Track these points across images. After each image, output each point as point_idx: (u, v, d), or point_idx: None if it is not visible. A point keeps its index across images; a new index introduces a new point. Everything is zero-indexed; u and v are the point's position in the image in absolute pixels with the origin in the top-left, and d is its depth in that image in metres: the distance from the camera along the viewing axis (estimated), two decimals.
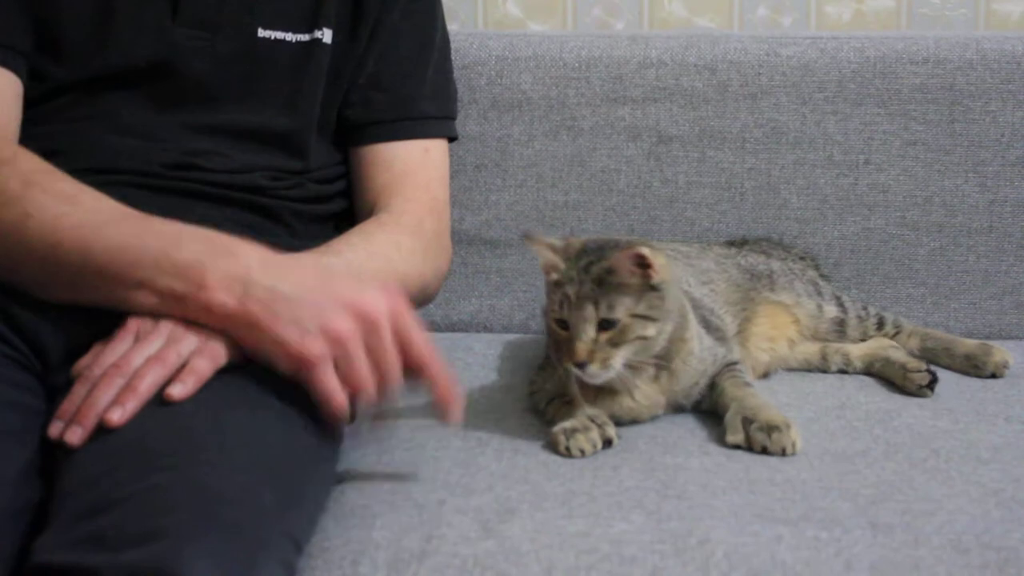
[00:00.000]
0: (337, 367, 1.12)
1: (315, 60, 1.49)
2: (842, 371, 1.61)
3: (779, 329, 1.61)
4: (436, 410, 1.17)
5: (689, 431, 1.38)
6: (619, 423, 1.36)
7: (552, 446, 1.31)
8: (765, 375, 1.59)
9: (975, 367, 1.59)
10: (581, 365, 1.28)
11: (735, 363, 1.44)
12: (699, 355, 1.40)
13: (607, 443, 1.31)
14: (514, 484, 1.23)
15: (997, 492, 1.22)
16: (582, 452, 1.29)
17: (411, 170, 1.54)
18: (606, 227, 1.84)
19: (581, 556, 1.09)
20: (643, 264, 1.29)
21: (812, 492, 1.21)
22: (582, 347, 1.29)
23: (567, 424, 1.31)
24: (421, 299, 1.51)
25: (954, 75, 1.82)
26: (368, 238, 1.43)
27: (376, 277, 1.37)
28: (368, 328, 1.12)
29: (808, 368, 1.62)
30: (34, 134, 1.40)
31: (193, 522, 0.97)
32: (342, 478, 1.26)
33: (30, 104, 1.42)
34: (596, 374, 1.29)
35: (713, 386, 1.41)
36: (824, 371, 1.62)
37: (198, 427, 1.09)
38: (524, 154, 1.85)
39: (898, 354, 1.59)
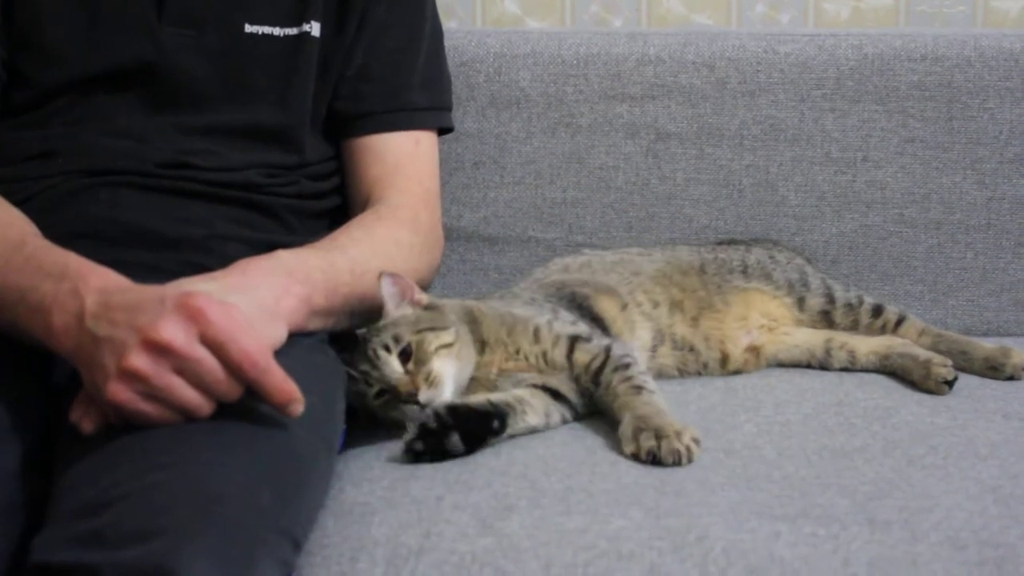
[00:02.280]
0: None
1: (304, 54, 1.49)
2: (845, 369, 1.61)
3: (751, 308, 1.62)
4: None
5: None
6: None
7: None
8: (753, 351, 1.61)
9: (994, 369, 1.57)
10: (413, 396, 1.30)
11: (628, 364, 1.39)
12: (501, 319, 1.43)
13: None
14: (512, 481, 1.23)
15: (995, 489, 1.22)
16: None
17: (403, 162, 1.54)
18: (604, 224, 1.84)
19: (579, 552, 1.09)
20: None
21: (810, 489, 1.21)
22: (401, 382, 1.32)
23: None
24: None
25: (952, 72, 1.82)
26: (370, 233, 1.43)
27: (377, 274, 1.38)
28: (169, 356, 1.07)
29: (810, 363, 1.62)
30: (30, 137, 1.41)
31: (192, 520, 0.96)
32: (340, 476, 1.26)
33: (24, 108, 1.42)
34: (431, 394, 1.31)
35: (607, 388, 1.37)
36: (825, 368, 1.61)
37: (196, 426, 1.09)
38: (522, 151, 1.85)
39: (919, 350, 1.58)
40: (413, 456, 1.27)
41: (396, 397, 1.32)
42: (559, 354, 1.41)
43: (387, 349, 1.34)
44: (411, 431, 1.28)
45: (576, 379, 1.40)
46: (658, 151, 1.84)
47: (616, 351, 1.40)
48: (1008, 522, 1.15)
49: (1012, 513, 1.17)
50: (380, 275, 1.36)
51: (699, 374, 1.58)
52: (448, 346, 1.35)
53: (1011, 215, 1.82)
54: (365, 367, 1.34)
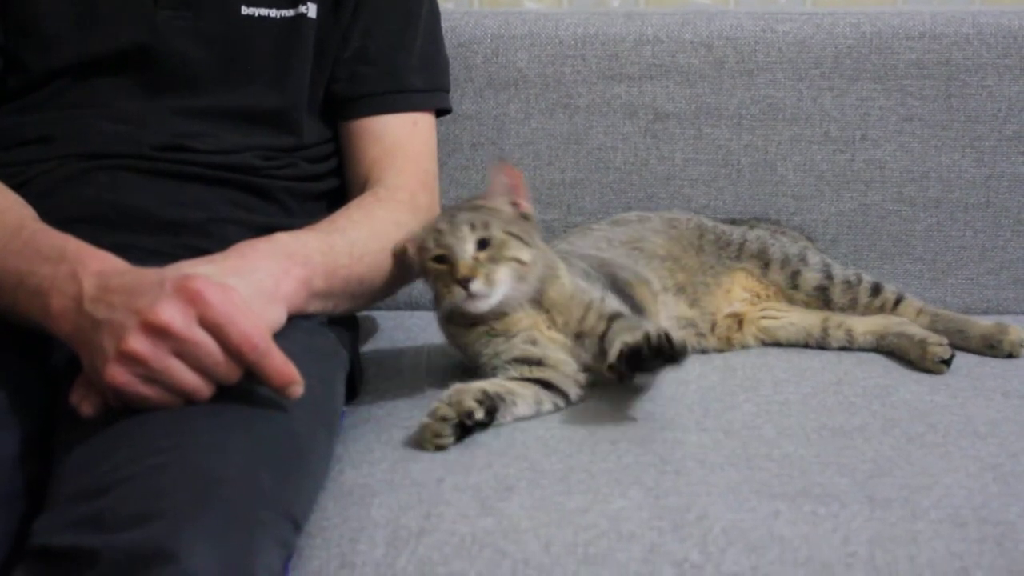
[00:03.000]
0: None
1: (301, 36, 1.48)
2: (843, 348, 1.61)
3: (739, 285, 1.63)
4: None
5: (687, 407, 1.38)
6: (532, 362, 1.38)
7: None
8: (738, 327, 1.61)
9: (991, 347, 1.58)
10: (466, 283, 1.31)
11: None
12: (573, 287, 1.41)
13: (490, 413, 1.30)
14: (512, 461, 1.23)
15: (995, 467, 1.22)
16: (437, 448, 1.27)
17: (401, 143, 1.54)
18: (603, 204, 1.84)
19: (579, 532, 1.09)
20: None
21: (810, 467, 1.21)
22: (464, 264, 1.32)
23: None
24: (415, 274, 1.51)
25: (950, 50, 1.82)
26: (369, 215, 1.43)
27: (376, 257, 1.38)
28: (167, 339, 1.07)
29: (807, 343, 1.62)
30: (27, 122, 1.41)
31: (191, 503, 0.96)
32: (340, 458, 1.26)
33: (20, 93, 1.42)
34: (482, 291, 1.32)
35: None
36: (823, 347, 1.61)
37: (196, 408, 1.09)
38: (520, 132, 1.85)
39: (915, 328, 1.58)
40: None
41: (452, 273, 1.33)
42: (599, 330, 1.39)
43: (472, 227, 1.34)
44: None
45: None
46: (656, 131, 1.84)
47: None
48: (1008, 499, 1.15)
49: (1011, 490, 1.17)
50: (499, 161, 1.40)
51: (695, 348, 1.58)
52: (522, 263, 1.35)
53: (1010, 193, 1.82)
54: (444, 227, 1.35)
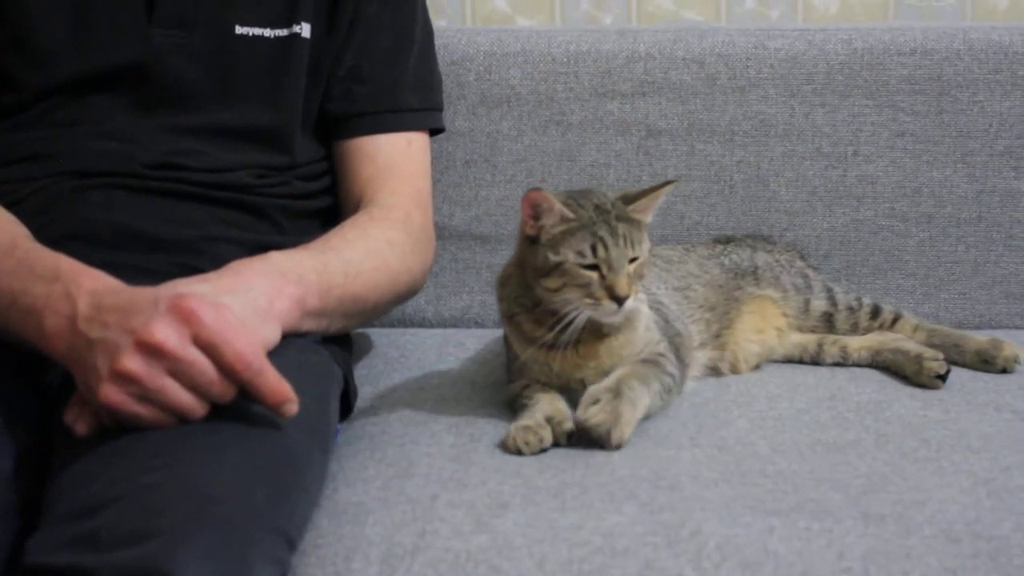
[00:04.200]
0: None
1: (295, 55, 1.49)
2: (837, 364, 1.61)
3: (767, 321, 1.61)
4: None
5: (680, 424, 1.38)
6: (571, 388, 1.37)
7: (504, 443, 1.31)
8: (757, 367, 1.59)
9: (985, 362, 1.58)
10: (623, 300, 1.29)
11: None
12: (648, 322, 1.41)
13: (568, 436, 1.31)
14: (507, 478, 1.23)
15: (988, 481, 1.22)
16: (527, 445, 1.28)
17: (395, 163, 1.54)
18: None
19: (574, 549, 1.09)
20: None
21: (803, 483, 1.22)
22: (623, 281, 1.30)
23: (522, 422, 1.31)
24: (409, 294, 1.52)
25: (942, 66, 1.82)
26: (364, 234, 1.43)
27: (371, 276, 1.38)
28: (162, 358, 1.07)
29: (802, 358, 1.62)
30: (20, 140, 1.41)
31: (186, 521, 0.97)
32: (334, 476, 1.26)
33: (13, 111, 1.42)
34: (632, 307, 1.31)
35: None
36: (818, 363, 1.61)
37: (190, 427, 1.09)
38: (513, 149, 1.85)
39: (911, 344, 1.58)
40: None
41: (610, 287, 1.29)
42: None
43: (631, 244, 1.32)
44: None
45: None
46: (649, 148, 1.84)
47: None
48: (1001, 514, 1.15)
49: (1005, 505, 1.17)
50: (667, 182, 1.38)
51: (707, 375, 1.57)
52: (641, 280, 1.35)
53: (1001, 208, 1.82)
54: (605, 235, 1.30)
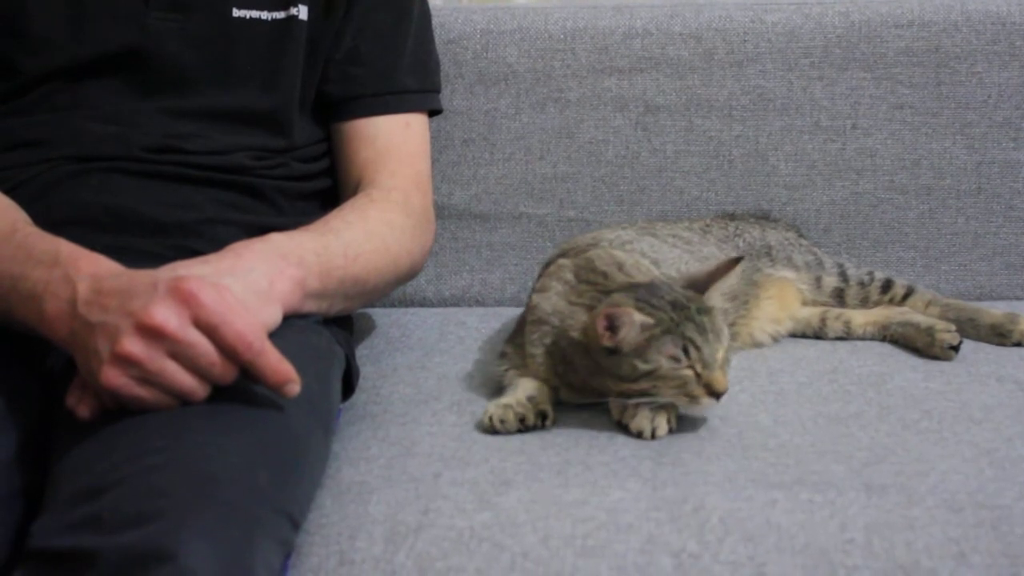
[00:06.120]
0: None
1: (292, 37, 1.48)
2: (840, 338, 1.61)
3: (786, 310, 1.61)
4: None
5: None
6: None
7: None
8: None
9: (1000, 336, 1.57)
10: (721, 395, 1.27)
11: None
12: None
13: (541, 417, 1.31)
14: (510, 455, 1.23)
15: (990, 452, 1.23)
16: (502, 423, 1.29)
17: (394, 145, 1.54)
18: (595, 198, 1.84)
19: (577, 525, 1.10)
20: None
21: (806, 456, 1.22)
22: (721, 377, 1.27)
23: (502, 400, 1.32)
24: (409, 275, 1.51)
25: (939, 37, 1.81)
26: (363, 216, 1.43)
27: (370, 257, 1.38)
28: (162, 340, 1.07)
29: (805, 333, 1.62)
30: (18, 125, 1.40)
31: (189, 502, 0.97)
32: (337, 455, 1.26)
33: (11, 96, 1.42)
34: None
35: None
36: (820, 337, 1.61)
37: (192, 409, 1.09)
38: (511, 127, 1.84)
39: (920, 317, 1.58)
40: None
41: (708, 385, 1.26)
42: None
43: (715, 336, 1.28)
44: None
45: None
46: (647, 124, 1.84)
47: None
48: (1003, 484, 1.16)
49: (1007, 475, 1.18)
50: (734, 261, 1.34)
51: None
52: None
53: (1001, 179, 1.82)
54: (696, 338, 1.26)
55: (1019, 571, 1.05)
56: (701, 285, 1.32)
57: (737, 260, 1.35)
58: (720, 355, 1.28)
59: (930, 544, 1.07)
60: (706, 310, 1.29)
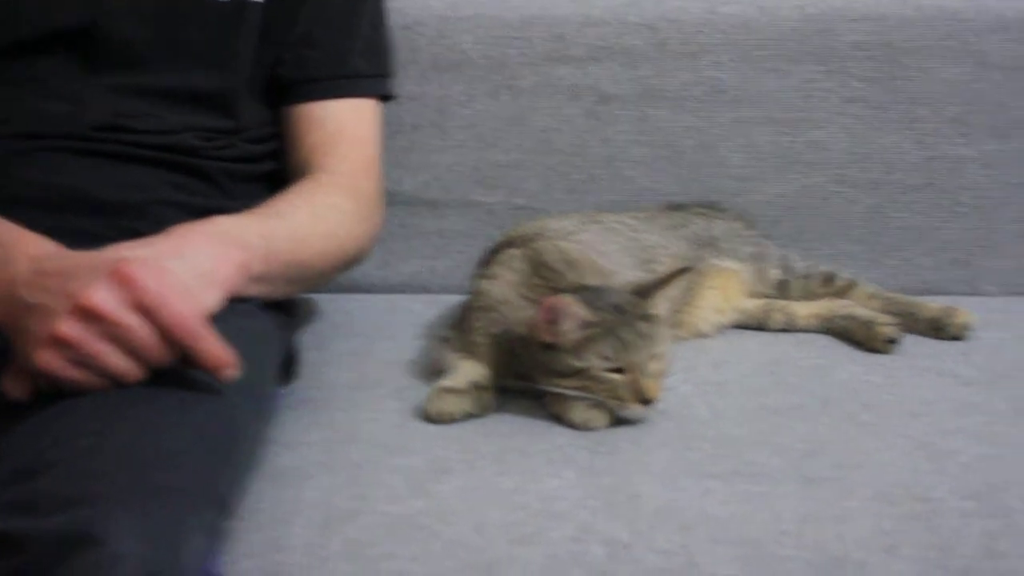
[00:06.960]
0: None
1: (245, 19, 1.47)
2: (783, 330, 1.61)
3: (729, 300, 1.62)
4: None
5: None
6: None
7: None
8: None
9: (938, 330, 1.58)
10: (651, 402, 1.27)
11: None
12: None
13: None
14: (450, 443, 1.23)
15: (926, 445, 1.24)
16: (440, 415, 1.29)
17: (344, 129, 1.53)
18: (546, 187, 1.84)
19: (511, 512, 1.10)
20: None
21: (744, 447, 1.23)
22: (652, 384, 1.27)
23: (444, 383, 1.32)
24: (355, 260, 1.51)
25: (892, 32, 1.82)
26: (310, 200, 1.42)
27: (317, 242, 1.37)
28: (99, 322, 1.06)
29: (749, 324, 1.63)
30: None
31: (119, 486, 0.96)
32: (276, 440, 1.25)
33: None
34: (654, 410, 1.28)
35: None
36: (764, 329, 1.62)
37: (127, 392, 1.08)
38: (463, 114, 1.84)
39: (861, 310, 1.59)
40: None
41: (637, 391, 1.26)
42: None
43: (651, 342, 1.28)
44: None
45: None
46: (600, 113, 1.84)
47: None
48: (938, 477, 1.17)
49: (942, 468, 1.19)
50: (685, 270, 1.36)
51: None
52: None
53: (949, 175, 1.83)
54: (629, 338, 1.26)
55: (948, 563, 1.05)
56: (647, 292, 1.33)
57: (684, 270, 1.36)
58: (655, 364, 1.28)
59: (862, 536, 1.08)
60: (648, 317, 1.30)
